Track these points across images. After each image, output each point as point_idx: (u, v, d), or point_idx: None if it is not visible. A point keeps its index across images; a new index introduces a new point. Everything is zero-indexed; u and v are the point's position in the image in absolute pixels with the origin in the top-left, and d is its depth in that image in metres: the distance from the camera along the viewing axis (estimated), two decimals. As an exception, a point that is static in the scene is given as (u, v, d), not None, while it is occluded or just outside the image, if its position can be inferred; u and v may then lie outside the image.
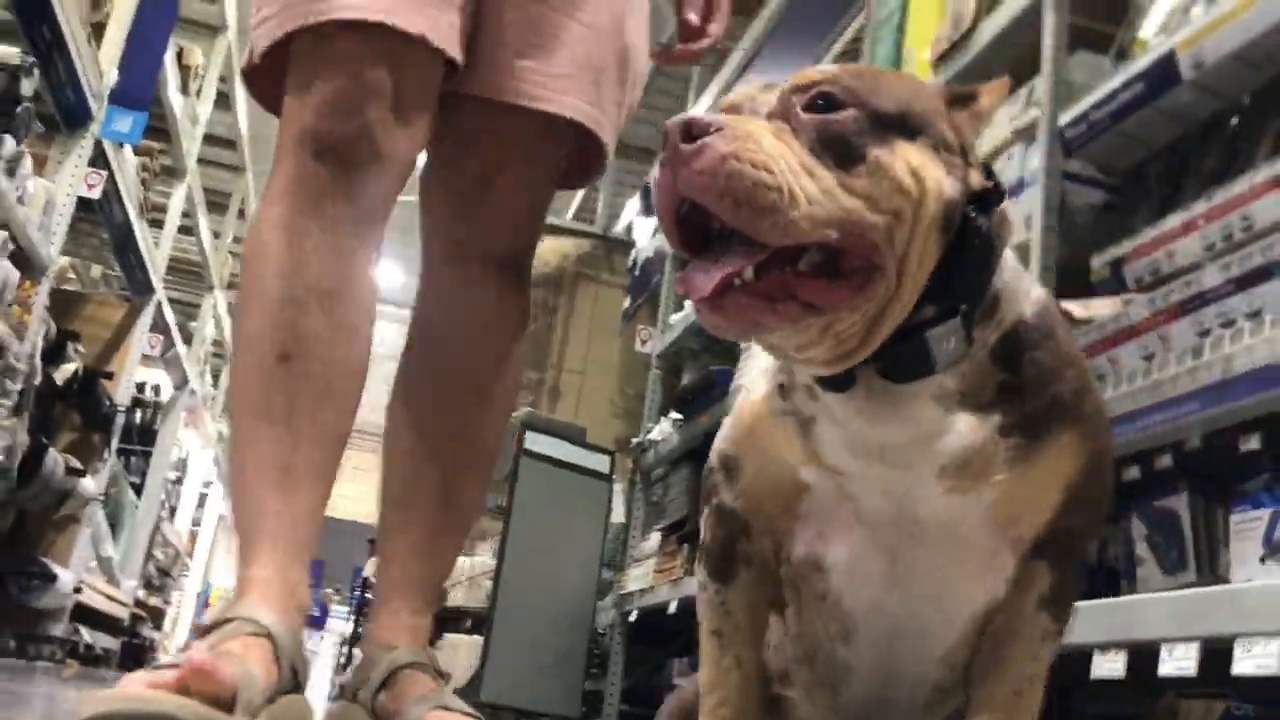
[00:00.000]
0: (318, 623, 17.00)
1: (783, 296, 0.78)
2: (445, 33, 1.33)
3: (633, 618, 4.64)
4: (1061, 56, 2.81)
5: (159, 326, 7.10)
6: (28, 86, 4.10)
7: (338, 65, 1.30)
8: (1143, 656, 1.95)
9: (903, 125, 0.85)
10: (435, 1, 1.32)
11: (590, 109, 1.44)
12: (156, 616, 9.23)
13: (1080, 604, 2.18)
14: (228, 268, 9.34)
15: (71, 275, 7.20)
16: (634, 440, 5.27)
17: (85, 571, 6.25)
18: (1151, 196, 2.67)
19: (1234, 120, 2.48)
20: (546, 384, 6.90)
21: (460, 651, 5.14)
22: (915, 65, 3.59)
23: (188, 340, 8.26)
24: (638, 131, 8.15)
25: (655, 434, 4.91)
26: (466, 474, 1.48)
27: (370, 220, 1.35)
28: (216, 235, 8.93)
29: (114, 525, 7.05)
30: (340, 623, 15.57)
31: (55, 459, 5.18)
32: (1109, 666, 2.03)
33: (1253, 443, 1.95)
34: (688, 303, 0.90)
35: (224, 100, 7.97)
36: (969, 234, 0.87)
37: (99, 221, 6.03)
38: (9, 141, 3.99)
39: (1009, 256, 0.95)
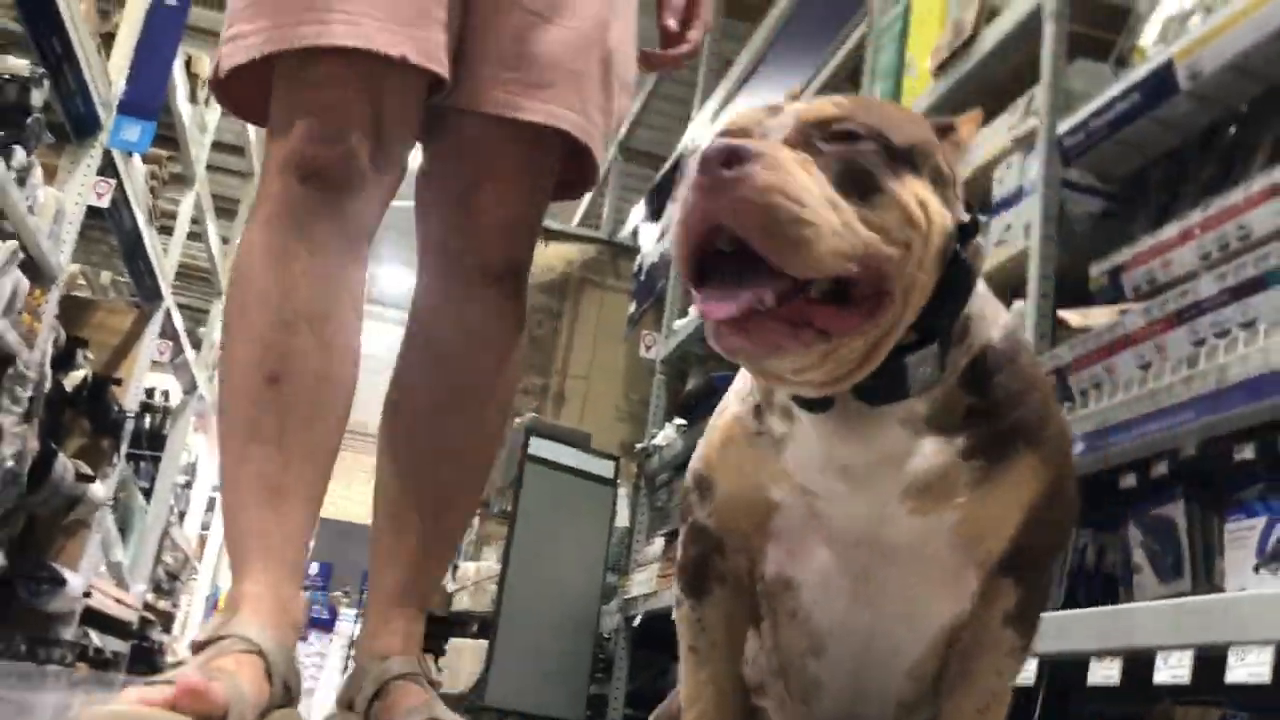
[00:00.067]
0: (326, 625, 17.03)
1: (800, 322, 0.80)
2: (430, 50, 1.34)
3: (637, 622, 4.66)
4: (1061, 65, 2.83)
5: (168, 332, 7.14)
6: (38, 97, 4.14)
7: (321, 90, 1.31)
8: (1138, 664, 1.97)
9: (909, 159, 0.87)
10: (418, 21, 1.33)
11: (576, 117, 1.44)
12: (166, 620, 9.28)
13: (1077, 611, 2.21)
14: (236, 273, 9.34)
15: (81, 282, 7.25)
16: (638, 445, 5.29)
17: (95, 576, 6.28)
18: (1150, 205, 2.68)
19: (1231, 129, 2.49)
20: (551, 389, 6.93)
21: (465, 656, 5.17)
22: (917, 73, 3.61)
23: (196, 346, 8.31)
24: (642, 136, 8.17)
25: (659, 439, 4.93)
26: (459, 485, 1.48)
27: (356, 241, 1.37)
28: (225, 241, 8.97)
29: (123, 530, 7.10)
30: (348, 625, 15.61)
31: (65, 464, 5.21)
32: (1104, 673, 2.04)
33: (1247, 452, 1.97)
34: (692, 309, 0.90)
35: (232, 107, 7.99)
36: (956, 264, 0.90)
37: (109, 228, 6.07)
38: (19, 152, 4.02)
39: (979, 283, 0.97)
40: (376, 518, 1.46)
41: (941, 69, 3.38)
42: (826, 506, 0.95)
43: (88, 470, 5.67)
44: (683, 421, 4.70)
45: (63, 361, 5.33)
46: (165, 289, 6.80)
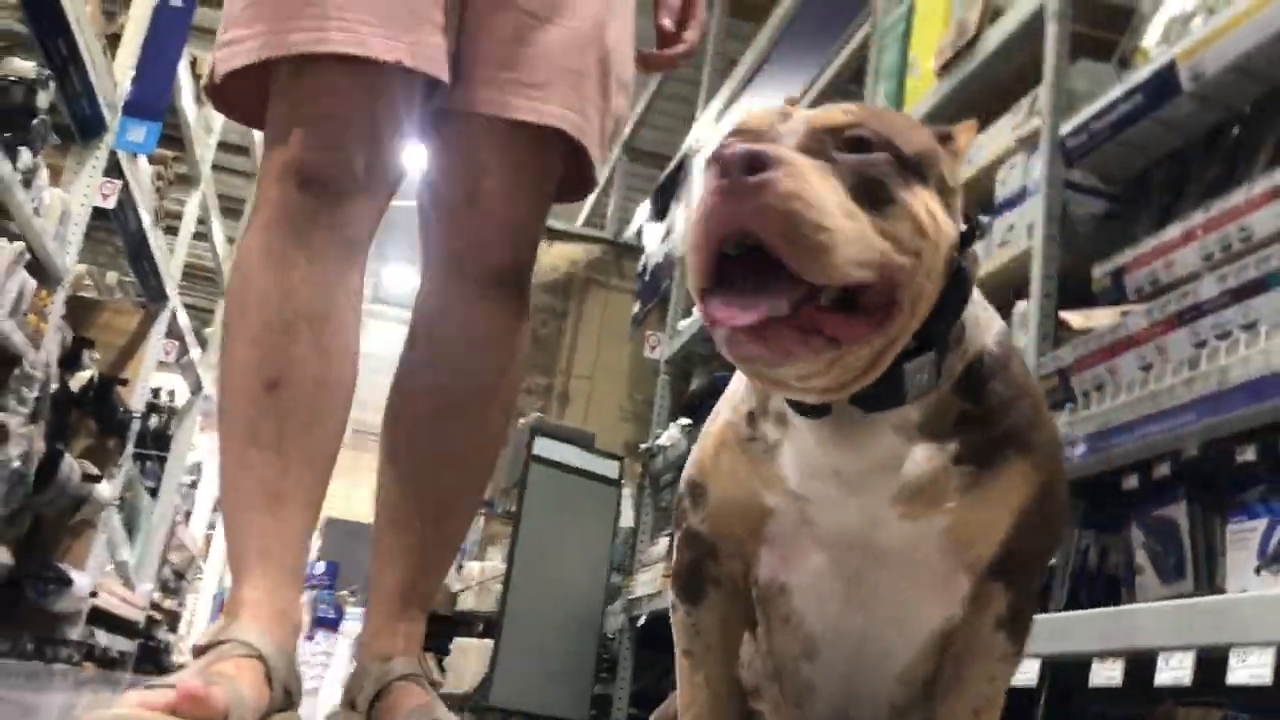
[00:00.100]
0: (332, 624, 17.06)
1: (811, 330, 0.81)
2: (428, 54, 1.34)
3: (641, 622, 4.66)
4: (1064, 65, 2.83)
5: (174, 332, 7.16)
6: (44, 99, 4.16)
7: (318, 98, 1.32)
8: (1140, 665, 1.97)
9: (918, 169, 0.88)
10: (414, 25, 1.33)
11: (574, 116, 1.43)
12: (172, 619, 9.30)
13: (1078, 613, 2.21)
14: (242, 273, 9.37)
15: (88, 282, 7.27)
16: (642, 445, 5.30)
17: (101, 575, 6.31)
18: (1153, 206, 2.68)
19: (1235, 130, 2.49)
20: (556, 389, 6.93)
21: (470, 655, 5.18)
22: (920, 73, 3.61)
23: (203, 345, 8.32)
24: (647, 136, 8.18)
25: (664, 439, 4.94)
26: (460, 488, 1.49)
27: (354, 247, 1.37)
28: (231, 241, 8.98)
29: (130, 529, 7.12)
30: (355, 624, 15.63)
31: (71, 465, 5.23)
32: (1106, 674, 2.05)
33: (1249, 454, 1.97)
34: (695, 309, 0.91)
35: (238, 107, 8.00)
36: (957, 273, 0.90)
37: (114, 229, 6.09)
38: (25, 153, 4.04)
39: (974, 290, 0.98)
40: (378, 520, 1.47)
41: (945, 69, 3.38)
42: (818, 512, 0.95)
43: (94, 470, 5.69)
44: (687, 421, 4.70)
45: (69, 362, 5.35)
46: (171, 289, 6.82)
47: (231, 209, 9.16)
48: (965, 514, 0.94)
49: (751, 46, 5.76)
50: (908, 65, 3.73)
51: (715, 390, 4.39)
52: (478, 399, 1.47)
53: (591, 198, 9.77)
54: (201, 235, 8.05)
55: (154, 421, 7.41)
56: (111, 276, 7.38)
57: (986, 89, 3.27)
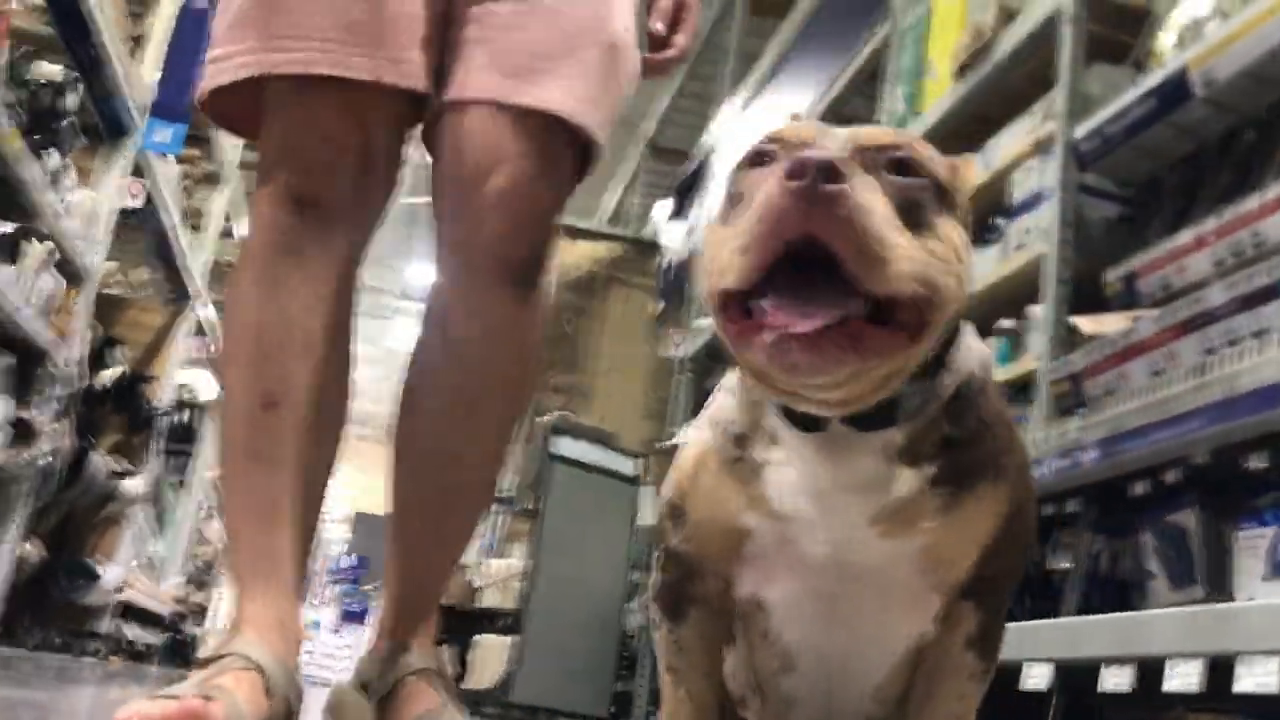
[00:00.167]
0: (359, 618, 17.20)
1: (856, 341, 0.82)
2: (407, 70, 1.35)
3: (661, 620, 4.68)
4: (1079, 69, 2.83)
5: (201, 330, 7.24)
6: (71, 101, 4.21)
7: (304, 119, 1.34)
8: (1150, 671, 1.98)
9: (949, 197, 0.90)
10: (390, 41, 1.34)
11: (576, 102, 1.40)
12: (199, 613, 9.40)
13: (1089, 618, 2.22)
14: (268, 269, 9.44)
15: (116, 279, 7.35)
16: (659, 442, 5.32)
17: (129, 569, 6.38)
18: (1166, 210, 2.68)
19: (1248, 136, 2.49)
20: (577, 387, 6.96)
21: (492, 652, 5.22)
22: (937, 75, 3.61)
23: (229, 342, 8.38)
24: (669, 133, 8.20)
25: (681, 437, 4.95)
26: (472, 484, 1.49)
27: (347, 265, 1.40)
28: (257, 238, 9.04)
29: (157, 524, 7.20)
30: (381, 618, 15.71)
31: (99, 461, 5.30)
32: (1116, 680, 2.05)
33: (1259, 461, 1.97)
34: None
35: (263, 105, 8.07)
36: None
37: (142, 227, 6.15)
38: (53, 155, 4.09)
39: None
40: (391, 513, 1.47)
41: (961, 72, 3.38)
42: (798, 531, 0.97)
43: (122, 466, 5.76)
44: (706, 420, 4.71)
45: (97, 359, 5.42)
46: (199, 287, 6.90)
47: (258, 206, 9.21)
48: (941, 535, 0.96)
49: (772, 44, 5.77)
50: (925, 67, 3.73)
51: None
52: (491, 394, 1.45)
53: (615, 195, 9.81)
54: (228, 233, 8.12)
55: (181, 417, 7.48)
56: (140, 274, 7.46)
57: (1002, 92, 3.28)
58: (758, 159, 0.91)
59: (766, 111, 5.72)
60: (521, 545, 5.66)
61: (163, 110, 5.04)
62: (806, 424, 0.94)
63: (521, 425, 1.61)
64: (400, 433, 1.47)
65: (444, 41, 1.40)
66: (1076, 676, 2.20)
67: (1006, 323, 2.98)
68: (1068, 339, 2.59)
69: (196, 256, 7.02)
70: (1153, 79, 2.44)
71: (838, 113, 4.87)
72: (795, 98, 5.20)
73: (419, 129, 1.47)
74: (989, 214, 3.11)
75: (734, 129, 6.15)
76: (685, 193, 6.57)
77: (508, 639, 4.99)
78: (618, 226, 8.31)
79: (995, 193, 3.10)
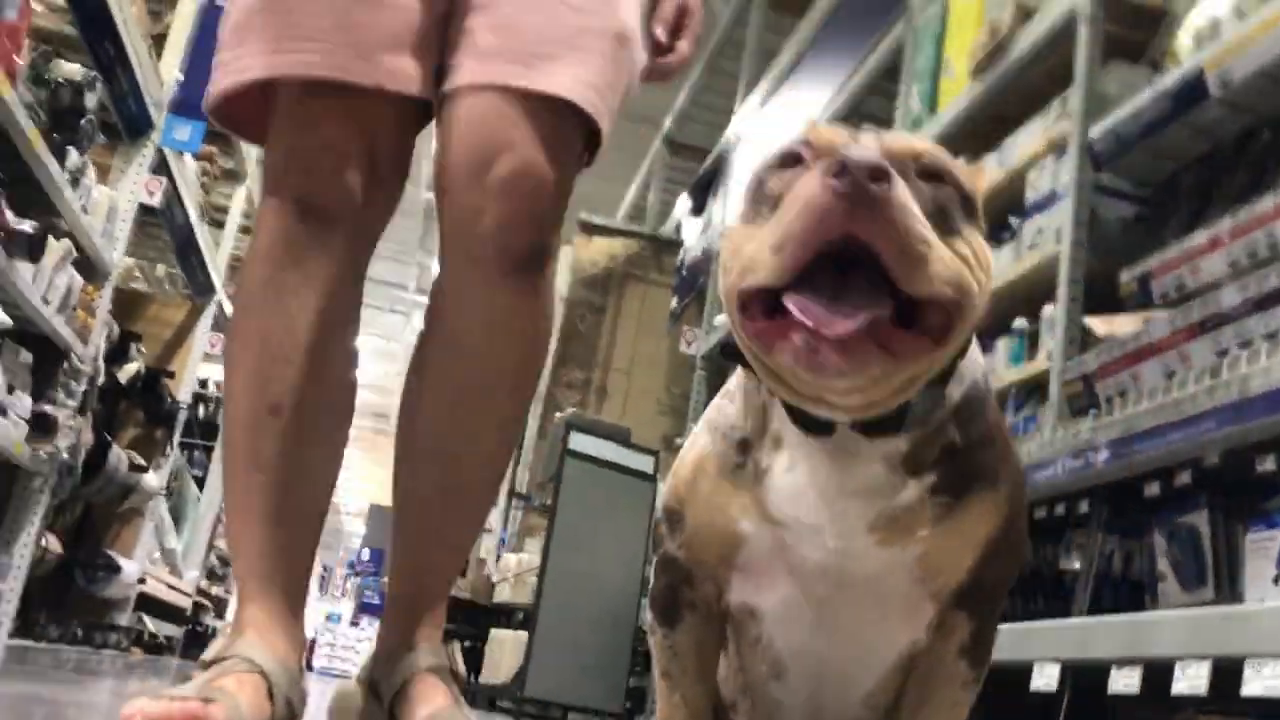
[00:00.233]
0: (376, 610, 17.29)
1: (885, 344, 0.82)
2: (408, 75, 1.34)
3: (676, 616, 4.69)
4: (1095, 69, 2.82)
5: (220, 325, 7.28)
6: (91, 100, 4.24)
7: (311, 128, 1.34)
8: (1158, 673, 1.98)
9: (970, 205, 0.92)
10: (389, 46, 1.33)
11: (582, 88, 1.36)
12: (219, 605, 9.47)
13: (1098, 619, 2.22)
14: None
15: (138, 274, 7.41)
16: (678, 439, 5.32)
17: (149, 563, 6.44)
18: (1182, 210, 2.67)
19: (1264, 136, 2.47)
20: (594, 383, 6.98)
21: (506, 647, 5.24)
22: (954, 73, 3.60)
23: (249, 337, 8.42)
24: (688, 130, 8.19)
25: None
26: (477, 480, 1.45)
27: (352, 270, 1.40)
28: (277, 233, 9.08)
29: (177, 518, 7.26)
30: (399, 612, 15.78)
31: (119, 455, 5.35)
32: (1125, 682, 2.05)
33: (1269, 463, 1.96)
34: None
35: (283, 102, 8.11)
36: None
37: (162, 224, 6.20)
38: (73, 153, 4.13)
39: None
40: (398, 510, 1.45)
41: (978, 70, 3.37)
42: (795, 538, 0.98)
43: (141, 460, 5.81)
44: (722, 417, 4.72)
45: (116, 355, 5.47)
46: (218, 282, 6.94)
47: (277, 202, 9.26)
48: (937, 543, 0.97)
49: (790, 42, 5.76)
50: (942, 65, 3.72)
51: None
52: (492, 387, 1.41)
53: (632, 190, 9.80)
54: (247, 229, 8.16)
55: (201, 412, 7.54)
56: (161, 269, 7.51)
57: (1019, 91, 3.27)
58: (786, 161, 0.90)
59: (785, 109, 5.72)
60: (537, 540, 5.68)
61: (182, 108, 5.07)
62: (816, 428, 0.94)
63: (526, 419, 1.58)
64: (401, 429, 1.44)
65: (445, 40, 1.39)
66: (1086, 677, 2.20)
67: (1020, 322, 2.97)
68: (1081, 339, 2.59)
69: (217, 252, 7.06)
70: (1168, 79, 2.43)
71: (856, 110, 4.86)
72: (813, 95, 5.19)
73: (429, 128, 1.46)
74: (1004, 213, 3.11)
75: (752, 126, 6.15)
76: (703, 190, 6.57)
77: (523, 634, 5.01)
78: (635, 223, 8.32)
79: (1011, 192, 3.10)
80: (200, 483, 7.68)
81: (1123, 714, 2.42)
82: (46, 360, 4.37)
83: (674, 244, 7.15)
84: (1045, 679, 2.26)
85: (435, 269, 1.48)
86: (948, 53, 3.68)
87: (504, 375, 1.42)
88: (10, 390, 3.92)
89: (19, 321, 3.95)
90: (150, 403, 6.16)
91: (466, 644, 6.17)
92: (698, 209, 6.57)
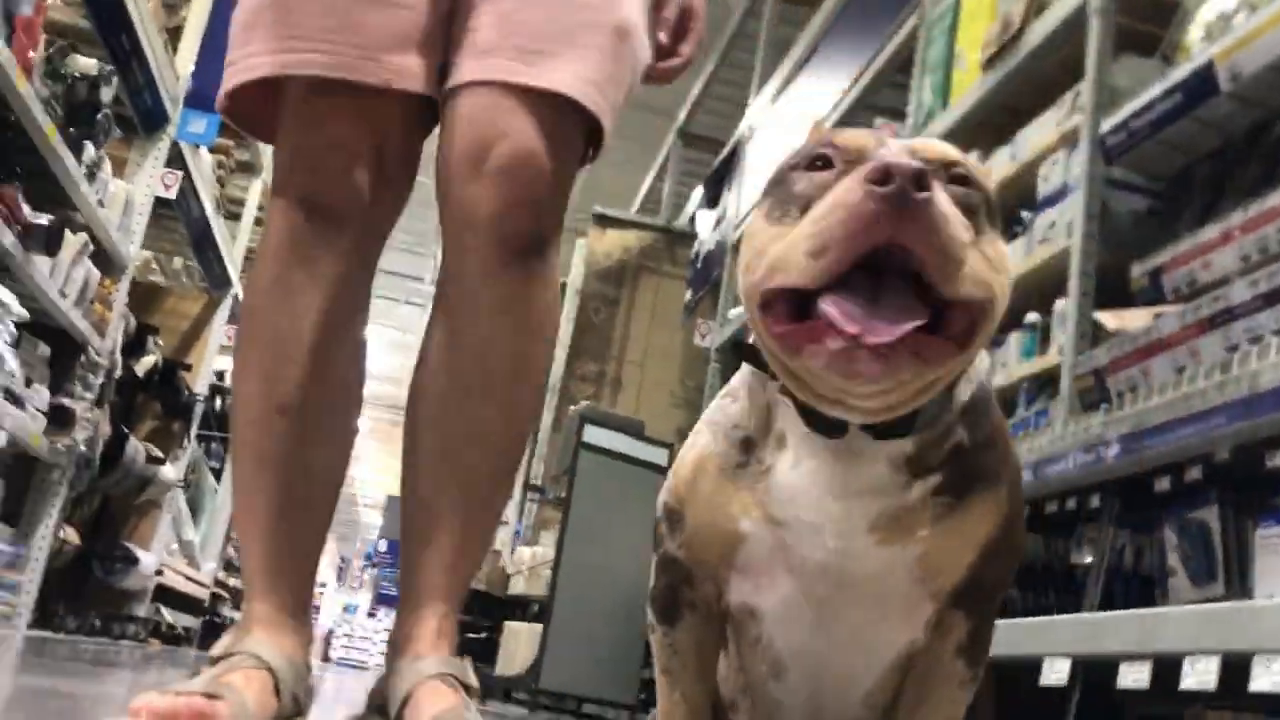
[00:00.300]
0: (394, 602, 17.34)
1: (916, 349, 0.83)
2: (414, 73, 1.35)
3: (689, 609, 4.70)
4: (1106, 62, 2.81)
5: (237, 317, 7.32)
6: (107, 94, 4.27)
7: (318, 127, 1.34)
8: (1168, 668, 1.98)
9: (992, 209, 0.93)
10: (395, 44, 1.34)
11: (582, 84, 1.36)
12: (236, 596, 9.53)
13: (1107, 614, 2.22)
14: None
15: (155, 267, 7.45)
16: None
17: (167, 554, 6.49)
18: (1195, 204, 2.66)
19: (1277, 130, 2.46)
20: (608, 376, 6.99)
21: (521, 639, 5.26)
22: (966, 65, 3.59)
23: (265, 329, 8.46)
24: (702, 121, 8.18)
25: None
26: (488, 474, 1.42)
27: (360, 270, 1.41)
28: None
29: (194, 510, 7.31)
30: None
31: (136, 447, 5.39)
32: (1134, 677, 2.05)
33: (1279, 459, 1.96)
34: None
35: (299, 94, 8.14)
36: None
37: (178, 216, 6.24)
38: (89, 148, 4.16)
39: None
40: (405, 510, 1.43)
41: (990, 62, 3.36)
42: (795, 538, 0.98)
43: (159, 452, 5.85)
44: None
45: (133, 348, 5.50)
46: (234, 275, 6.98)
47: (293, 194, 9.28)
48: (937, 542, 0.97)
49: (804, 32, 5.75)
50: (954, 57, 3.71)
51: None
52: (503, 375, 1.39)
53: (646, 184, 9.78)
54: (263, 222, 8.19)
55: (218, 404, 7.58)
56: (177, 262, 7.55)
57: (1031, 83, 3.26)
58: (814, 162, 0.90)
59: (798, 101, 5.71)
60: (552, 533, 5.70)
61: (198, 101, 5.10)
62: (828, 429, 0.94)
63: (536, 409, 1.54)
64: (412, 419, 1.42)
65: (450, 37, 1.40)
66: (1096, 672, 2.20)
67: (1032, 317, 2.97)
68: (1093, 334, 2.58)
69: (233, 245, 7.10)
70: (1178, 73, 2.42)
71: (869, 102, 4.86)
72: (826, 87, 5.18)
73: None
74: (1016, 207, 3.10)
75: (766, 118, 6.14)
76: (717, 182, 6.57)
77: (538, 626, 5.03)
78: (649, 215, 8.32)
79: (1023, 185, 3.09)
80: (217, 474, 7.72)
81: (1131, 709, 2.42)
82: (64, 353, 4.41)
83: (688, 236, 7.14)
84: (1056, 673, 2.26)
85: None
86: (960, 45, 3.67)
87: (506, 364, 1.40)
88: (28, 383, 3.96)
89: (36, 315, 3.98)
90: (167, 395, 6.20)
91: (482, 636, 6.21)
92: (712, 201, 6.57)
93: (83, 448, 4.55)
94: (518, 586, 5.89)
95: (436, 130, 1.44)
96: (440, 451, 1.39)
